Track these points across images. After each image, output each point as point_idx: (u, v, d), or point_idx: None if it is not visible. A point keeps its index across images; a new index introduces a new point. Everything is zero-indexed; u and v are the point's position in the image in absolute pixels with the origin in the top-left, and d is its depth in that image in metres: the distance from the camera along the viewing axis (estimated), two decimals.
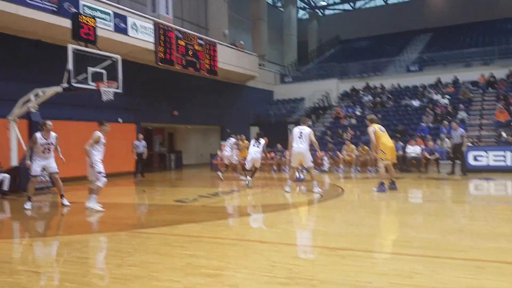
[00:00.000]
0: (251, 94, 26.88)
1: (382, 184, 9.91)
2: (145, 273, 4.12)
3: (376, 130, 9.91)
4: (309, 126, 10.31)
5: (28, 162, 8.88)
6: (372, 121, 10.25)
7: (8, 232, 7.05)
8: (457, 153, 13.84)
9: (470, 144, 14.81)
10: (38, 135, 8.90)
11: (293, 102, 27.65)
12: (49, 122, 9.05)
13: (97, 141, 8.25)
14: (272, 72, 30.51)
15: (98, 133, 8.32)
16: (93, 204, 8.22)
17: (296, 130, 10.07)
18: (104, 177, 8.29)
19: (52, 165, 9.11)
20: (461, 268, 4.03)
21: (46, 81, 12.77)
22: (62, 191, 9.18)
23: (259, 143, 12.36)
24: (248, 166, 12.50)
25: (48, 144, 8.98)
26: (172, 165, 22.98)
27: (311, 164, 10.13)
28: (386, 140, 9.91)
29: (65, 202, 9.06)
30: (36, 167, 8.90)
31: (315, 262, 4.38)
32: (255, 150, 12.26)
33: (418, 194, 10.49)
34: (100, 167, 8.21)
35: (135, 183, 14.99)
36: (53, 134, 9.06)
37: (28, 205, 8.79)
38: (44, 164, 9.02)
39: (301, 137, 9.86)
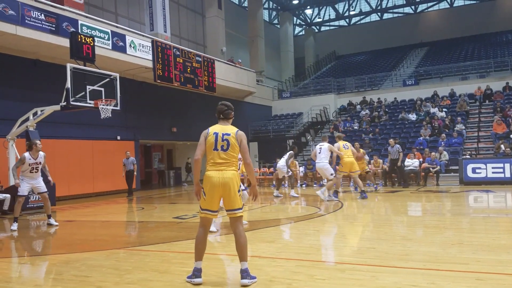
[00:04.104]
0: (250, 110, 26.98)
1: (363, 191, 11.43)
2: None
3: (340, 146, 11.52)
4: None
5: (17, 181, 8.73)
6: (340, 138, 11.91)
7: (7, 251, 7.00)
8: (394, 168, 15.07)
9: (468, 156, 14.90)
10: (26, 155, 8.75)
11: (291, 117, 27.76)
12: (39, 142, 8.98)
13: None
14: (270, 87, 30.69)
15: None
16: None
17: (317, 146, 11.49)
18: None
19: (41, 184, 8.98)
20: (461, 280, 4.01)
21: (45, 100, 12.86)
22: (50, 211, 9.12)
23: (286, 154, 13.78)
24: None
25: (36, 163, 8.85)
26: (171, 182, 22.92)
27: (331, 177, 11.23)
28: (345, 155, 11.54)
29: (53, 222, 8.99)
30: (23, 187, 8.75)
31: (314, 276, 4.35)
32: (280, 161, 13.69)
33: (417, 207, 10.47)
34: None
35: (131, 200, 14.89)
36: (41, 153, 8.93)
37: (14, 226, 8.59)
38: (32, 184, 8.87)
39: (320, 152, 11.22)
